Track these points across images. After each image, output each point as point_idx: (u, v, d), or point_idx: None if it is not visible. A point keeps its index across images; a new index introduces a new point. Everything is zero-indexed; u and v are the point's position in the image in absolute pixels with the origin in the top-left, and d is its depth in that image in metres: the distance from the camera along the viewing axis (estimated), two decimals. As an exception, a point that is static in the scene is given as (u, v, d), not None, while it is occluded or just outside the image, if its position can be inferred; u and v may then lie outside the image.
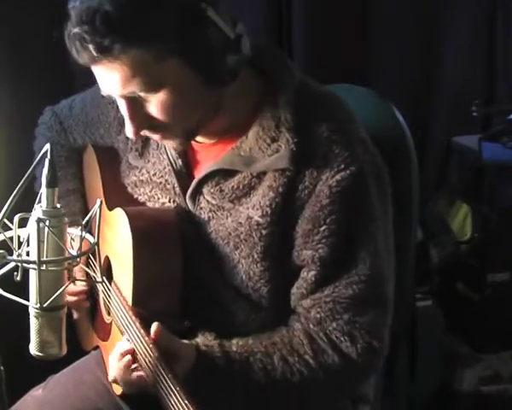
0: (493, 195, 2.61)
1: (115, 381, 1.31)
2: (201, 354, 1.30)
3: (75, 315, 1.62)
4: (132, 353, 1.29)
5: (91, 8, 1.17)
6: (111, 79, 1.23)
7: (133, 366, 1.28)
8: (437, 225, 2.61)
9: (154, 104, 1.26)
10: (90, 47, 1.18)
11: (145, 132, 1.32)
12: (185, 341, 1.32)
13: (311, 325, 1.34)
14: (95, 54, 1.19)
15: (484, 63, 2.78)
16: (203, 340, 1.33)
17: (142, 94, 1.25)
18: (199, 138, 1.39)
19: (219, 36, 1.25)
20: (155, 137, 1.35)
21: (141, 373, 1.27)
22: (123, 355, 1.29)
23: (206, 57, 1.24)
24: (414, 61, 2.68)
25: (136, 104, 1.27)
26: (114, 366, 1.30)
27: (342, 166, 1.29)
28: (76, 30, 1.19)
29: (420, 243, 2.30)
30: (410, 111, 1.93)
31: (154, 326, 1.27)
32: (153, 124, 1.30)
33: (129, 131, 1.30)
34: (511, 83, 2.79)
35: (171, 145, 1.38)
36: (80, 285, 1.54)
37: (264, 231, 1.32)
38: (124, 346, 1.31)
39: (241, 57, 1.28)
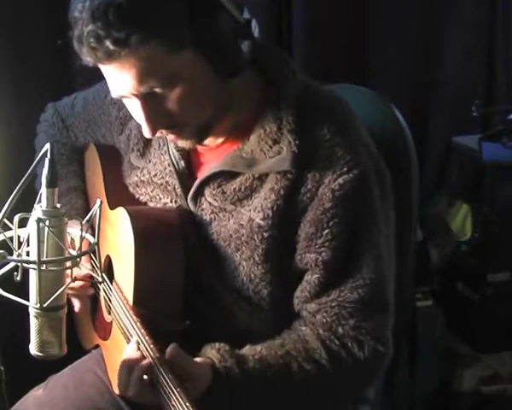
0: (493, 195, 2.60)
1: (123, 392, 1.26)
2: (220, 375, 1.25)
3: (76, 306, 1.55)
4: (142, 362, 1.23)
5: (103, 3, 1.16)
6: (126, 76, 1.22)
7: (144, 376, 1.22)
8: (437, 225, 2.60)
9: (172, 99, 1.25)
10: (107, 42, 1.17)
11: (161, 132, 1.32)
12: (199, 359, 1.27)
13: (321, 331, 1.33)
14: (112, 48, 1.17)
15: (484, 63, 2.77)
16: (216, 356, 1.27)
17: (159, 90, 1.24)
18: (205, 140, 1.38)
19: (230, 21, 1.24)
20: (170, 137, 1.34)
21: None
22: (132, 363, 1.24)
23: (219, 45, 1.23)
24: (414, 61, 2.67)
25: (151, 102, 1.25)
26: (125, 378, 1.24)
27: (345, 168, 1.29)
28: (89, 28, 1.17)
29: (420, 242, 2.30)
30: (409, 111, 1.93)
31: (171, 349, 1.22)
32: (169, 122, 1.29)
33: (146, 131, 1.29)
34: (511, 83, 2.79)
35: (183, 145, 1.36)
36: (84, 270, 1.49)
37: (265, 234, 1.32)
38: (131, 354, 1.26)
39: (253, 42, 1.27)
